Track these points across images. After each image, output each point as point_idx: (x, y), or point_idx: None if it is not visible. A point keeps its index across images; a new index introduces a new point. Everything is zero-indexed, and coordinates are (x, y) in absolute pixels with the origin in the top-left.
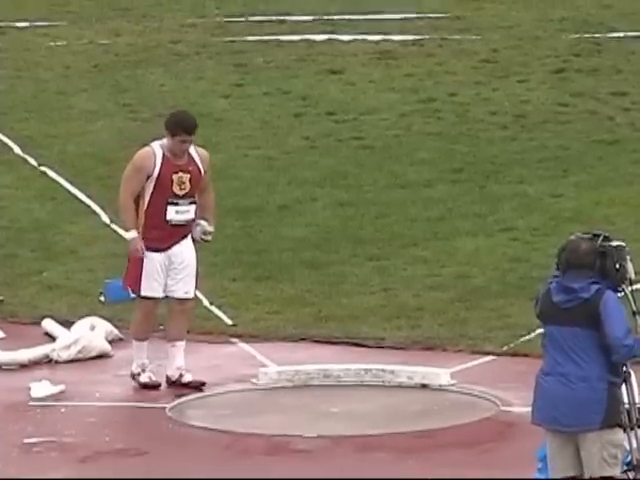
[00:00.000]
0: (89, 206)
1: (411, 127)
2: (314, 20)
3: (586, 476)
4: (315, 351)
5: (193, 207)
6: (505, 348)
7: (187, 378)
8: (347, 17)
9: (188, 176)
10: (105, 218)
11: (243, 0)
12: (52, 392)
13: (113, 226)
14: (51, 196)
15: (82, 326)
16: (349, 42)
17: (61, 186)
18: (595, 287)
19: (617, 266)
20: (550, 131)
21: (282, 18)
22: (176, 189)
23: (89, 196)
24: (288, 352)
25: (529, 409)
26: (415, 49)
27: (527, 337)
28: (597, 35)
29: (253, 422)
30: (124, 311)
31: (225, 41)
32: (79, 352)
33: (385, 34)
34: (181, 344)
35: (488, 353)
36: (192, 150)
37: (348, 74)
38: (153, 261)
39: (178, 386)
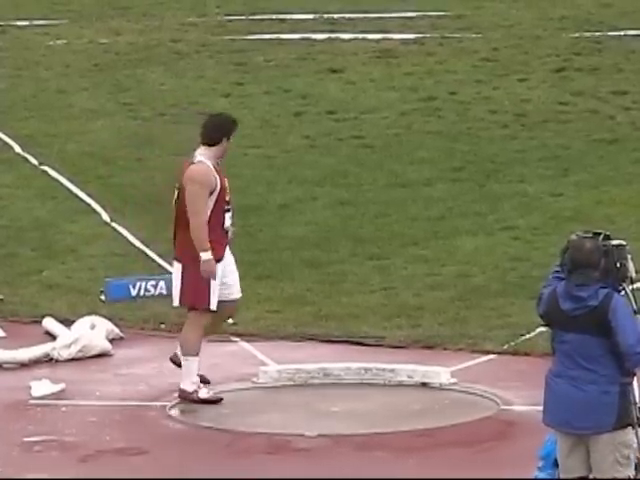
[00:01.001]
0: (89, 205)
1: (411, 126)
2: (314, 19)
3: (597, 477)
4: (315, 350)
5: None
6: (505, 347)
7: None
8: (347, 16)
9: (226, 180)
10: (105, 217)
11: None
12: (52, 391)
13: (113, 225)
14: (51, 195)
15: (82, 325)
16: (349, 41)
17: (61, 185)
18: (602, 292)
19: (618, 265)
20: (550, 130)
21: (282, 17)
22: (227, 196)
23: (89, 195)
24: (288, 351)
25: (529, 408)
26: (415, 48)
27: (527, 336)
28: (598, 34)
29: (253, 421)
30: (124, 310)
31: (225, 40)
32: (79, 351)
33: (385, 33)
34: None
35: (488, 352)
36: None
37: (348, 73)
38: (218, 275)
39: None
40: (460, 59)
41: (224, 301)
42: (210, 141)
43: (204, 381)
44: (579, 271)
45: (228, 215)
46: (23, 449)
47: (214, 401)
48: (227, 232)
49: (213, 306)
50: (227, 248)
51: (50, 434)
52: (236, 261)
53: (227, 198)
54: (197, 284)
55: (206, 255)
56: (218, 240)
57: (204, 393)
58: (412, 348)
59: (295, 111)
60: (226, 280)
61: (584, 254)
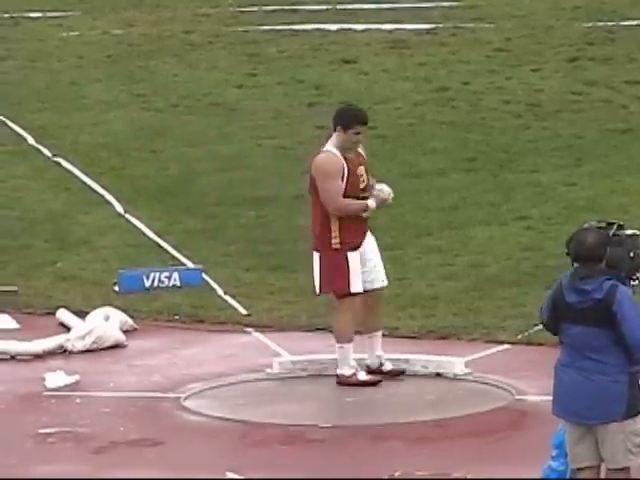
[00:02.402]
0: (103, 196)
1: (424, 116)
2: (327, 9)
3: (609, 466)
4: (329, 341)
5: (372, 200)
6: (519, 337)
7: (387, 367)
8: (360, 6)
9: (363, 168)
10: (119, 208)
11: None
12: (67, 382)
13: (127, 216)
14: (65, 186)
15: (96, 316)
16: (362, 31)
17: (75, 176)
18: (607, 285)
19: (631, 255)
20: (564, 120)
21: (295, 8)
22: (361, 184)
23: (103, 186)
24: (302, 341)
25: (543, 398)
26: (428, 38)
27: (541, 326)
28: (610, 23)
29: (268, 412)
30: (138, 301)
31: (238, 31)
32: (94, 342)
33: (398, 23)
34: (379, 334)
35: (502, 342)
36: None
37: (361, 63)
38: (356, 259)
39: (378, 374)
40: (473, 49)
41: (367, 290)
42: (333, 129)
43: (397, 372)
44: (583, 264)
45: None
46: (37, 441)
47: (373, 383)
48: (362, 220)
49: (355, 288)
50: (367, 235)
51: (64, 425)
52: (248, 252)
53: (361, 186)
54: (334, 270)
55: (370, 204)
56: (351, 228)
57: (363, 375)
58: (426, 338)
59: (308, 102)
60: (365, 269)
61: (586, 249)
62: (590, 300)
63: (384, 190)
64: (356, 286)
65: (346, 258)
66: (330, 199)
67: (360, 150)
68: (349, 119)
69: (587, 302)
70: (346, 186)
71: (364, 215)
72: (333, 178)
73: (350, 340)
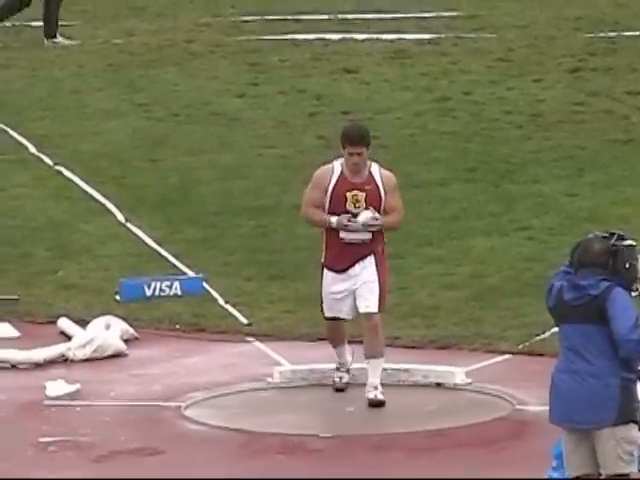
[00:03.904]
0: (104, 205)
1: (426, 126)
2: (329, 19)
3: (602, 474)
4: (330, 350)
5: None
6: (520, 347)
7: (369, 395)
8: (362, 16)
9: (364, 195)
10: (120, 217)
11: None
12: (67, 391)
13: (128, 225)
14: (66, 195)
15: (97, 325)
16: (364, 41)
17: (76, 185)
18: (605, 284)
19: (627, 266)
20: (565, 130)
21: (297, 17)
22: (350, 207)
23: (104, 195)
24: (303, 351)
25: (544, 408)
26: (430, 48)
27: (542, 336)
28: (612, 34)
29: (268, 421)
30: (139, 310)
31: (239, 40)
32: (94, 351)
33: (400, 33)
34: (374, 361)
35: (503, 352)
36: (375, 169)
37: (363, 73)
38: (329, 280)
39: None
40: (474, 59)
41: (361, 314)
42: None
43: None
44: (584, 269)
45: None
46: (38, 449)
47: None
48: (344, 242)
49: (325, 312)
50: (365, 262)
51: (65, 434)
52: (249, 262)
53: (349, 208)
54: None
55: (331, 220)
56: (333, 247)
57: (336, 376)
58: (427, 348)
59: (309, 111)
60: (355, 292)
61: (591, 256)
62: (586, 296)
63: (360, 217)
64: (325, 308)
65: (324, 274)
66: (302, 204)
67: (377, 178)
68: (341, 138)
69: (582, 298)
70: (329, 202)
71: (348, 239)
72: (312, 186)
73: (333, 347)
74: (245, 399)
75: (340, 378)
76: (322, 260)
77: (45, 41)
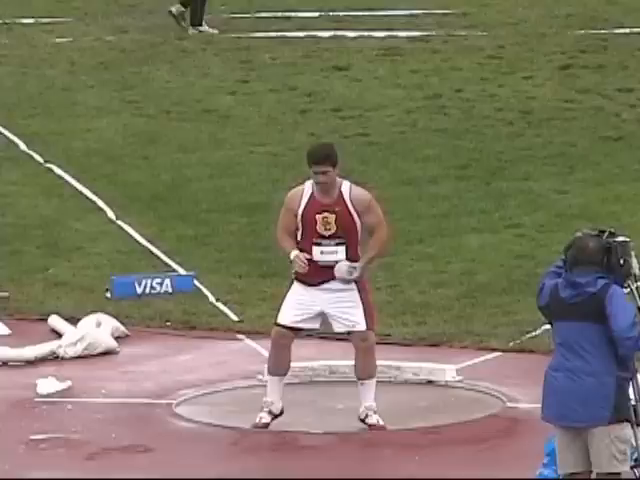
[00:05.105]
0: (95, 202)
1: (417, 123)
2: (320, 16)
3: (594, 472)
4: (321, 347)
5: (341, 248)
6: (511, 344)
7: (371, 420)
8: (353, 13)
9: (334, 217)
10: (111, 214)
11: None
12: (58, 389)
13: (119, 222)
14: (57, 193)
15: (88, 322)
16: (355, 38)
17: (67, 182)
18: (602, 282)
19: (621, 261)
20: (556, 127)
21: (288, 15)
22: (321, 229)
23: (95, 192)
24: (294, 348)
25: (535, 405)
26: (421, 45)
27: (533, 333)
28: (603, 31)
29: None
30: (130, 308)
31: (231, 38)
32: (85, 349)
33: (391, 30)
34: (367, 382)
35: (494, 349)
36: (345, 189)
37: (354, 70)
38: (294, 292)
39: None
40: (465, 57)
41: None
42: None
43: (379, 428)
44: (580, 267)
45: (319, 249)
46: (29, 447)
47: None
48: (319, 265)
49: (279, 316)
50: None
51: (56, 432)
52: (240, 259)
53: (321, 231)
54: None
55: (291, 254)
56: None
57: (265, 418)
58: (418, 345)
59: (301, 109)
60: (329, 310)
61: (586, 254)
62: (584, 293)
63: (336, 273)
64: (281, 315)
65: (292, 286)
66: (277, 228)
67: (346, 199)
68: (306, 158)
69: (580, 296)
70: (301, 225)
71: (320, 261)
72: (284, 210)
73: (271, 373)
74: (236, 396)
75: (260, 418)
76: (293, 276)
77: (190, 29)
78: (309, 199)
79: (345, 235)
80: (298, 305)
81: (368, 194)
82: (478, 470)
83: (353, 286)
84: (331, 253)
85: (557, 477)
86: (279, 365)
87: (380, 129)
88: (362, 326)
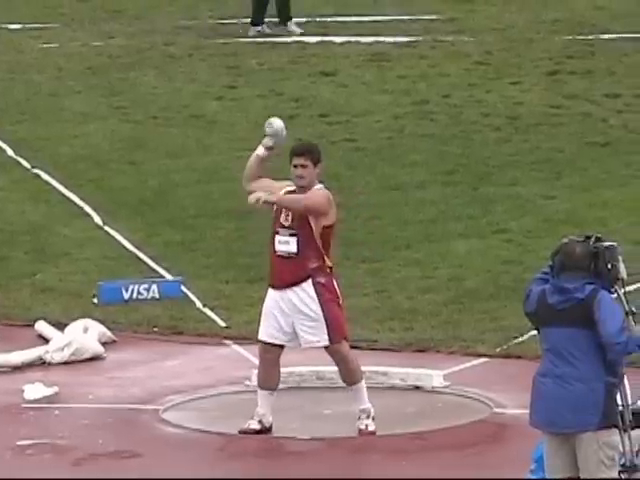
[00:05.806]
0: (82, 208)
1: (404, 129)
2: (307, 22)
3: (583, 477)
4: (308, 353)
5: (293, 239)
6: (498, 350)
7: (360, 424)
8: (340, 19)
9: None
10: (98, 220)
11: (236, 2)
12: (45, 394)
13: (106, 228)
14: (44, 198)
15: (75, 328)
16: (342, 44)
17: (54, 188)
18: (590, 287)
19: (609, 266)
20: (543, 133)
21: (275, 20)
22: (282, 219)
23: (82, 198)
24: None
25: (522, 411)
26: (408, 51)
27: (520, 339)
28: (590, 37)
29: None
30: (117, 313)
31: (218, 43)
32: (72, 354)
33: (378, 36)
34: (356, 387)
35: (481, 355)
36: (316, 186)
37: (341, 76)
38: (268, 300)
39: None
40: (453, 62)
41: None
42: None
43: (367, 433)
44: (567, 273)
45: (278, 238)
46: (16, 452)
47: (246, 432)
48: (277, 255)
49: (259, 335)
50: (298, 293)
51: (43, 437)
52: (227, 264)
53: (282, 220)
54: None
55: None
56: (271, 260)
57: (254, 424)
58: (405, 351)
59: (288, 114)
60: (295, 322)
61: (574, 260)
62: (572, 299)
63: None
64: (260, 330)
65: (267, 293)
66: None
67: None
68: (289, 154)
69: (568, 302)
70: (274, 215)
71: (278, 250)
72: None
73: (261, 387)
74: (223, 402)
75: (249, 424)
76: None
77: (251, 30)
78: (287, 192)
79: (298, 229)
80: (273, 317)
81: (325, 193)
82: (465, 475)
83: (315, 299)
84: (284, 243)
85: None
86: (267, 379)
87: (367, 135)
88: (325, 342)
